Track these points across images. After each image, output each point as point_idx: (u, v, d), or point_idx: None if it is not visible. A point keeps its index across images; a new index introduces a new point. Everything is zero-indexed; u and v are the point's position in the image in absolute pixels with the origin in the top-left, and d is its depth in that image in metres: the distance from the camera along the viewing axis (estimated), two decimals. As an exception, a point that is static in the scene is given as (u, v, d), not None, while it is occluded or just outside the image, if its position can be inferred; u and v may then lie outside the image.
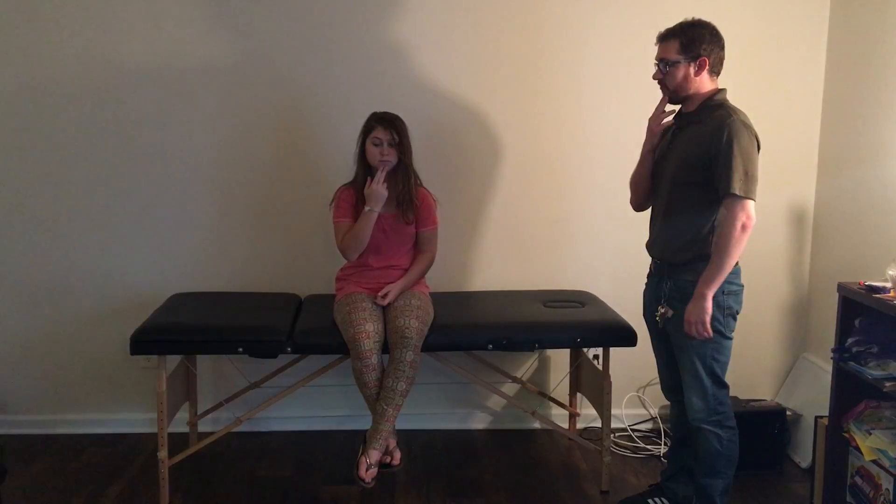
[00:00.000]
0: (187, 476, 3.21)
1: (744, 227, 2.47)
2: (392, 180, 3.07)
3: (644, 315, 2.89)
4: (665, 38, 2.62)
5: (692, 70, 2.59)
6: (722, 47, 2.61)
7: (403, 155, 3.06)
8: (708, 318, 2.53)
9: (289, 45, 3.45)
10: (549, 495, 3.13)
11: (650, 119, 2.76)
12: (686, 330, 2.58)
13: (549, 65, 3.52)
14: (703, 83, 2.61)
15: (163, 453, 2.97)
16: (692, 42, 2.57)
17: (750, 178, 2.47)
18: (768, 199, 3.48)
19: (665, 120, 2.74)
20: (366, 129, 3.07)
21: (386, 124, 3.03)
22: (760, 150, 2.55)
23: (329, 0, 3.43)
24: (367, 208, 3.00)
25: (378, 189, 2.98)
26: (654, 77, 2.67)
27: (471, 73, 3.51)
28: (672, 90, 2.64)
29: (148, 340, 2.94)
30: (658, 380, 2.98)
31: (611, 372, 3.13)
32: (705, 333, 2.55)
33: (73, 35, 3.39)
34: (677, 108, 2.72)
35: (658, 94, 2.71)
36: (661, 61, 2.62)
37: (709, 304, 2.53)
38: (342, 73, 3.48)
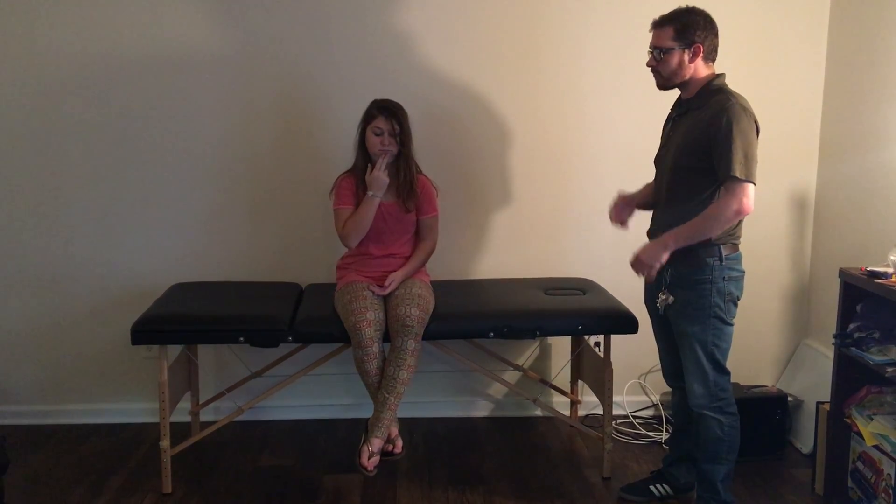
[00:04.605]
0: (189, 465, 3.22)
1: (738, 211, 2.48)
2: (392, 170, 3.06)
3: (645, 302, 2.89)
4: (659, 24, 2.62)
5: (686, 57, 2.58)
6: (716, 34, 2.61)
7: (404, 145, 3.05)
8: (657, 266, 2.56)
9: (288, 34, 3.43)
10: (551, 482, 3.14)
11: (613, 220, 2.95)
12: (631, 263, 2.61)
13: (552, 53, 3.51)
14: (699, 69, 2.61)
15: (165, 443, 2.98)
16: (686, 29, 2.56)
17: (750, 161, 2.47)
18: (770, 184, 3.48)
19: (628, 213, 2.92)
20: (366, 118, 3.06)
21: (387, 114, 3.02)
22: (759, 135, 2.55)
23: (328, -13, 3.42)
24: (369, 193, 2.99)
25: (380, 176, 2.97)
26: (648, 64, 2.66)
27: (473, 62, 3.50)
28: (666, 77, 2.63)
29: (149, 330, 2.94)
30: (659, 366, 2.98)
31: (612, 359, 3.13)
32: (645, 273, 2.59)
33: (71, 26, 3.37)
34: (665, 95, 2.71)
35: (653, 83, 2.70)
36: (656, 49, 2.61)
37: (665, 256, 2.55)
38: (342, 62, 3.46)
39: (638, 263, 2.60)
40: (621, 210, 2.93)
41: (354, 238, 3.06)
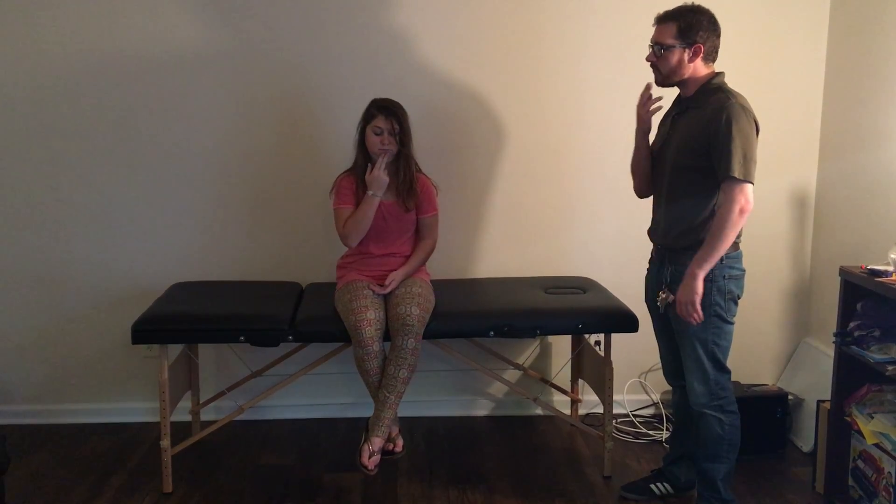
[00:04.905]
0: (190, 465, 3.22)
1: (741, 211, 2.47)
2: (392, 169, 3.06)
3: (646, 300, 2.89)
4: (663, 20, 2.61)
5: (686, 56, 2.57)
6: (718, 35, 2.60)
7: (403, 144, 3.05)
8: (698, 299, 2.52)
9: (288, 33, 3.43)
10: (552, 481, 3.14)
11: (637, 105, 2.77)
12: (678, 311, 2.58)
13: (551, 51, 3.51)
14: (698, 68, 2.60)
15: (165, 442, 2.98)
16: (690, 28, 2.55)
17: (749, 160, 2.46)
18: (770, 183, 3.48)
19: (654, 106, 2.74)
20: (366, 117, 3.06)
21: (387, 113, 3.02)
22: (759, 134, 2.55)
23: (328, -14, 3.42)
24: (369, 192, 2.99)
25: (379, 175, 2.97)
26: (648, 59, 2.65)
27: (472, 61, 3.49)
28: (665, 75, 2.63)
29: (149, 330, 2.94)
30: (659, 365, 2.98)
31: (612, 358, 3.13)
32: (695, 315, 2.54)
33: (71, 26, 3.37)
34: (664, 91, 2.71)
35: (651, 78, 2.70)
36: (657, 44, 2.61)
37: (699, 285, 2.52)
38: (342, 60, 3.46)
39: (681, 307, 2.57)
40: (649, 108, 2.77)
41: (355, 237, 3.06)
